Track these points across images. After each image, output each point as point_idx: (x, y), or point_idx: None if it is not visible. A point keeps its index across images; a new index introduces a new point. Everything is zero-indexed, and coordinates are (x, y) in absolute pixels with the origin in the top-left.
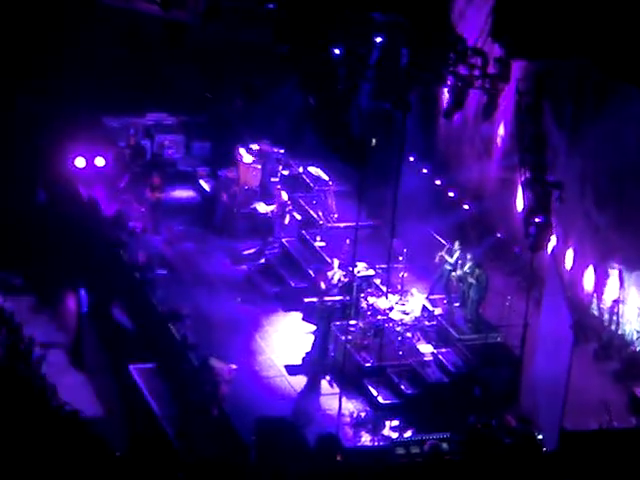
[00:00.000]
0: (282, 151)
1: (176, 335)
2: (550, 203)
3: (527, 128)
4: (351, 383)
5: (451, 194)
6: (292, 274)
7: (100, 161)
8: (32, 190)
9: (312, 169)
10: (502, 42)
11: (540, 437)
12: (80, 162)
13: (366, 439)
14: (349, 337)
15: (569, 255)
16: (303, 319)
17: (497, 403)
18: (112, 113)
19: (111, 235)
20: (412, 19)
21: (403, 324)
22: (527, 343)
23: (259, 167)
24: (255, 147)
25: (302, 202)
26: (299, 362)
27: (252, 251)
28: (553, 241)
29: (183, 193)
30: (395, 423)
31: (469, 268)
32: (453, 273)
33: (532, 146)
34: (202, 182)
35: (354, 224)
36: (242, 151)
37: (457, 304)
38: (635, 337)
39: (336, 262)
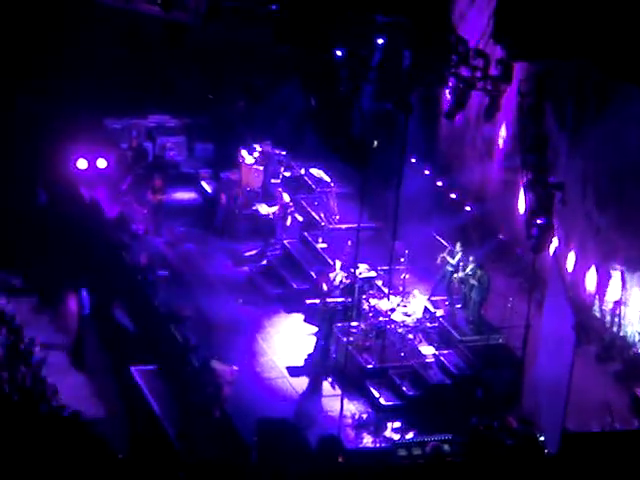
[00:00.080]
0: (284, 153)
1: (178, 336)
2: (552, 205)
3: (529, 129)
4: (353, 385)
5: (453, 195)
6: (294, 275)
7: (102, 163)
8: (32, 191)
9: (314, 171)
10: (503, 44)
11: (542, 439)
12: (82, 164)
13: (368, 441)
14: (351, 339)
15: (571, 257)
16: (305, 321)
17: (499, 404)
18: (113, 114)
19: (113, 237)
20: (414, 21)
21: (405, 326)
22: (529, 344)
23: (261, 169)
24: (257, 149)
25: (304, 203)
26: (301, 364)
27: (254, 252)
28: (555, 242)
29: (185, 195)
30: (397, 425)
31: (471, 270)
32: (455, 275)
33: (534, 147)
34: (204, 184)
35: (356, 226)
36: (244, 153)
37: (459, 305)
38: (637, 339)
39: (338, 264)
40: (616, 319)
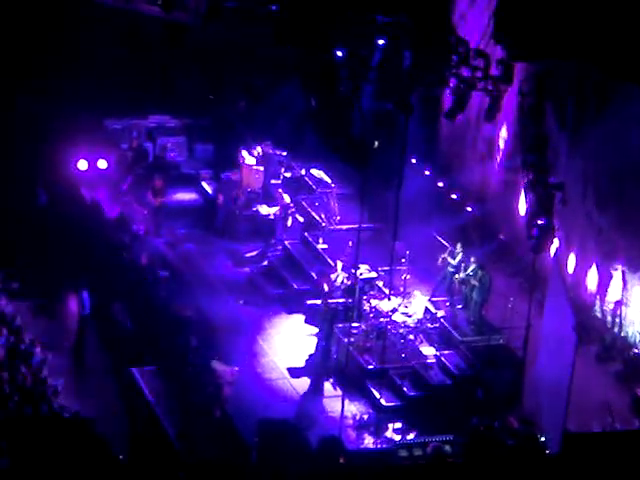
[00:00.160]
0: (284, 153)
1: (178, 337)
2: (552, 205)
3: (529, 129)
4: (354, 385)
5: (453, 196)
6: (294, 276)
7: (102, 163)
8: (33, 191)
9: (314, 171)
10: (504, 44)
11: (543, 439)
12: (82, 164)
13: (369, 441)
14: (352, 339)
15: (571, 257)
16: (305, 321)
17: (500, 405)
18: (114, 115)
19: (113, 237)
20: (414, 21)
21: (406, 326)
22: (530, 345)
23: (261, 169)
24: (258, 149)
25: (304, 204)
26: (302, 364)
27: (254, 253)
28: (555, 243)
29: (185, 196)
30: (398, 425)
31: (472, 270)
32: (456, 275)
33: (534, 147)
34: (204, 184)
35: (356, 226)
36: (245, 153)
37: (460, 306)
38: (638, 339)
39: (339, 264)
40: (617, 319)
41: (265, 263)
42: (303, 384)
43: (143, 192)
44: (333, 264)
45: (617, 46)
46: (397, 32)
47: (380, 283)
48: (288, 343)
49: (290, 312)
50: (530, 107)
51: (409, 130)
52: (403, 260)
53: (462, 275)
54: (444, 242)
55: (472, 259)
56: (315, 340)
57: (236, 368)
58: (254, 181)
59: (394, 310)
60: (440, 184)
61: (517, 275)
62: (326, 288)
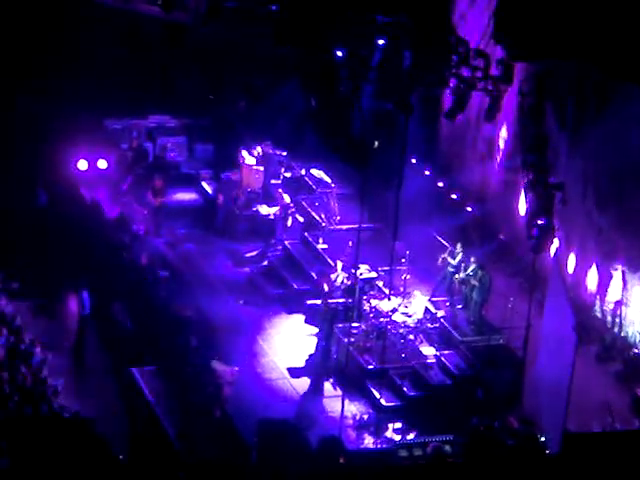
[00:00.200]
0: (284, 153)
1: (178, 337)
2: (552, 205)
3: (529, 129)
4: (354, 385)
5: (453, 196)
6: (294, 276)
7: (102, 164)
8: (33, 191)
9: (314, 171)
10: (504, 44)
11: (543, 439)
12: (82, 165)
13: (369, 441)
14: (352, 339)
15: (571, 257)
16: (305, 321)
17: (500, 405)
18: (114, 115)
19: (113, 237)
20: (414, 21)
21: (406, 326)
22: (530, 345)
23: (261, 169)
24: (257, 149)
25: (304, 204)
26: (301, 364)
27: (254, 253)
28: (555, 243)
29: (185, 196)
30: (398, 425)
31: (472, 270)
32: (456, 275)
33: (534, 147)
34: (204, 184)
35: (356, 226)
36: (244, 153)
37: (460, 306)
38: (638, 339)
39: (339, 264)
40: (617, 319)
41: (265, 263)
42: (303, 384)
43: (143, 192)
44: (333, 264)
45: (617, 46)
46: (397, 32)
47: (380, 283)
48: (288, 343)
49: (290, 312)
50: (530, 107)
51: (409, 130)
52: (403, 260)
53: (462, 275)
54: (444, 242)
55: (472, 259)
56: (315, 340)
57: (236, 368)
58: (254, 181)
59: (394, 310)
60: (440, 184)
61: (517, 275)
62: (326, 288)
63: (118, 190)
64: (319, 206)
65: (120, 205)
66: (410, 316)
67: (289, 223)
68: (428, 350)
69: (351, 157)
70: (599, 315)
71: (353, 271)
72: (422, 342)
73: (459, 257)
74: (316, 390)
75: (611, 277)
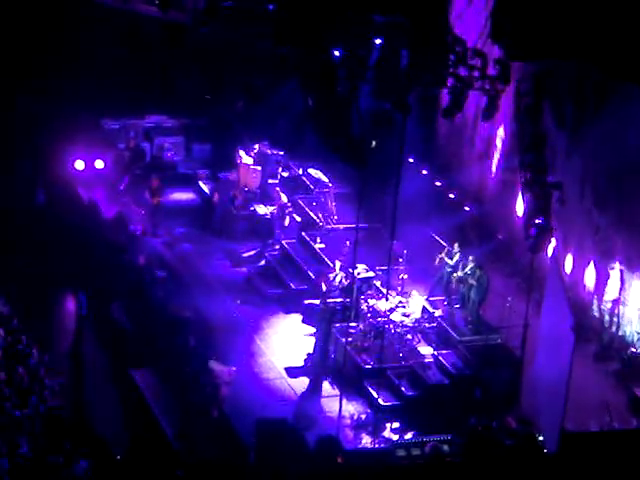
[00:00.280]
0: (282, 153)
1: (176, 337)
2: (550, 204)
3: (527, 129)
4: (351, 385)
5: (451, 196)
6: (292, 276)
7: (99, 163)
8: (31, 191)
9: (312, 171)
10: (501, 44)
11: (541, 438)
12: (80, 164)
13: (367, 441)
14: (349, 339)
15: (569, 256)
16: (303, 321)
17: (498, 404)
18: (112, 115)
19: (111, 237)
20: (412, 20)
21: (403, 326)
22: (527, 344)
23: (259, 169)
24: (255, 149)
25: (302, 204)
26: (299, 364)
27: (252, 253)
28: (553, 242)
29: (183, 195)
30: (396, 425)
31: (470, 269)
32: (454, 274)
33: (532, 147)
34: (202, 184)
35: (354, 226)
36: (242, 153)
37: (457, 306)
38: (635, 338)
39: (338, 264)
40: (615, 318)
41: (262, 263)
42: (301, 384)
43: (140, 192)
44: (332, 264)
45: (616, 46)
46: (394, 32)
47: (378, 283)
48: (286, 343)
49: (288, 312)
50: (528, 106)
51: (407, 130)
52: (401, 260)
53: (460, 274)
54: (442, 242)
55: (470, 258)
56: (313, 340)
57: (234, 368)
58: (251, 181)
59: (392, 310)
60: (438, 184)
61: (515, 275)
62: (324, 288)
63: (115, 190)
64: (317, 206)
65: (117, 205)
66: (408, 316)
67: (286, 223)
68: (426, 350)
69: (349, 156)
70: (597, 314)
71: (351, 271)
72: (420, 342)
73: (457, 257)
74: (314, 390)
75: (609, 276)
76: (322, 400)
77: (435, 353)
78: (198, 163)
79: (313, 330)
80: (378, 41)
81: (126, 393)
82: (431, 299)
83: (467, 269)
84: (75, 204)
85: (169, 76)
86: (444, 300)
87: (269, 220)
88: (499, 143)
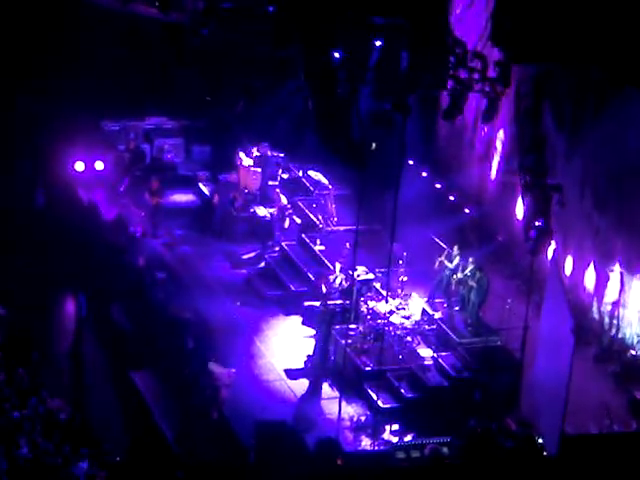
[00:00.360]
0: (282, 155)
1: (176, 339)
2: (550, 207)
3: (526, 131)
4: (351, 387)
5: (451, 198)
6: (292, 278)
7: (99, 165)
8: (31, 192)
9: (312, 173)
10: (502, 46)
11: (540, 441)
12: (79, 166)
13: (366, 443)
14: (349, 341)
15: (569, 258)
16: (303, 323)
17: (497, 407)
18: (112, 116)
19: (111, 239)
20: (412, 22)
21: (403, 328)
22: (527, 346)
23: (259, 171)
24: (255, 151)
25: (302, 206)
26: (299, 366)
27: (252, 255)
28: (553, 244)
29: (183, 197)
30: (395, 427)
31: (470, 271)
32: (454, 276)
33: (532, 149)
34: (202, 186)
35: (354, 228)
36: (242, 155)
37: (457, 308)
38: (635, 341)
39: (338, 266)
40: (614, 321)
41: (262, 264)
42: (301, 386)
43: (140, 194)
44: (332, 266)
45: (616, 49)
46: (394, 33)
47: (377, 285)
48: (285, 345)
49: (287, 314)
50: (527, 109)
51: (407, 132)
52: (400, 262)
53: (460, 275)
54: (442, 244)
55: (470, 260)
56: (313, 342)
57: (233, 370)
58: (251, 182)
59: (391, 312)
60: (438, 186)
61: (515, 277)
62: (324, 290)
63: (115, 191)
64: (316, 208)
65: (117, 206)
66: (407, 318)
67: (286, 225)
68: (425, 352)
69: (349, 158)
70: (597, 316)
71: (351, 273)
72: (419, 344)
73: (456, 260)
74: (314, 392)
75: (609, 278)
76: (322, 402)
77: (435, 355)
78: (198, 165)
79: (313, 332)
80: (378, 43)
81: (126, 394)
82: (431, 301)
83: (467, 271)
84: (75, 205)
85: (169, 78)
86: (444, 302)
87: (269, 222)
88: (499, 145)
